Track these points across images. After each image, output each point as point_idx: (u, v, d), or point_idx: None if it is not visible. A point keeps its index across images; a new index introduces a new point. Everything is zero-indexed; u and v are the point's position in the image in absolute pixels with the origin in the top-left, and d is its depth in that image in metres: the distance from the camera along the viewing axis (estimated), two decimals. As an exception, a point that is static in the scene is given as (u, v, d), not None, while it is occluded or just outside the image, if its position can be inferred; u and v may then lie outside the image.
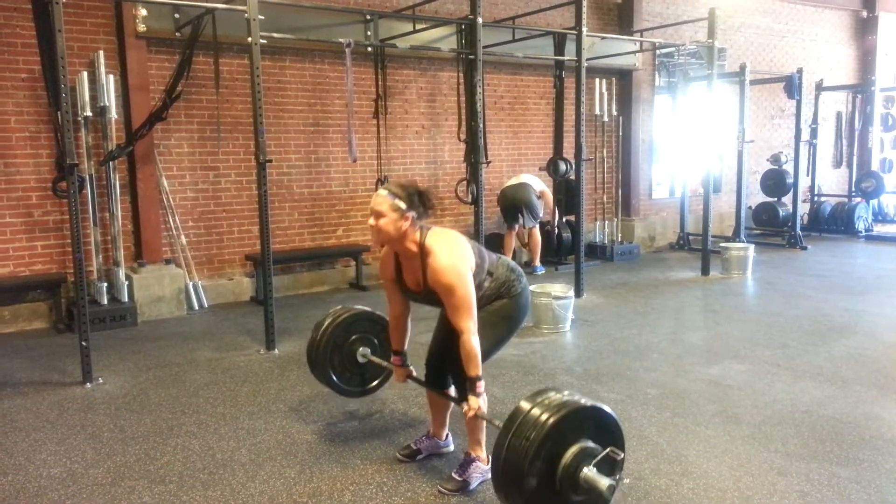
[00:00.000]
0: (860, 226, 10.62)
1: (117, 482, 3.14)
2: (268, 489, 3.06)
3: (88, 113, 5.86)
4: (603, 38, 8.25)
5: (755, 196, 10.68)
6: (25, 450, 3.50)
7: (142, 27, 6.07)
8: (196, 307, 6.53)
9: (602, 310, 6.29)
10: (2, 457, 3.42)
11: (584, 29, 6.55)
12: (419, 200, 2.84)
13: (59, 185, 5.66)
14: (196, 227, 6.72)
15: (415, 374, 3.30)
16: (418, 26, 7.04)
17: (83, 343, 4.42)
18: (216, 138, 6.65)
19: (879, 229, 11.06)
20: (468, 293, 2.79)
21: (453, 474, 3.04)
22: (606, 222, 9.33)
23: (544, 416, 2.33)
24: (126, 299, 6.05)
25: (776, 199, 10.37)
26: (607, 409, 2.46)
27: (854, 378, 4.37)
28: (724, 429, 3.63)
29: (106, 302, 5.95)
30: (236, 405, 4.07)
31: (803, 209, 10.66)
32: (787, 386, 4.25)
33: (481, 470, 3.05)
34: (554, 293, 5.54)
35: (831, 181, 12.25)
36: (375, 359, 3.57)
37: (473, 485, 3.01)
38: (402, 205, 2.79)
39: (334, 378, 3.59)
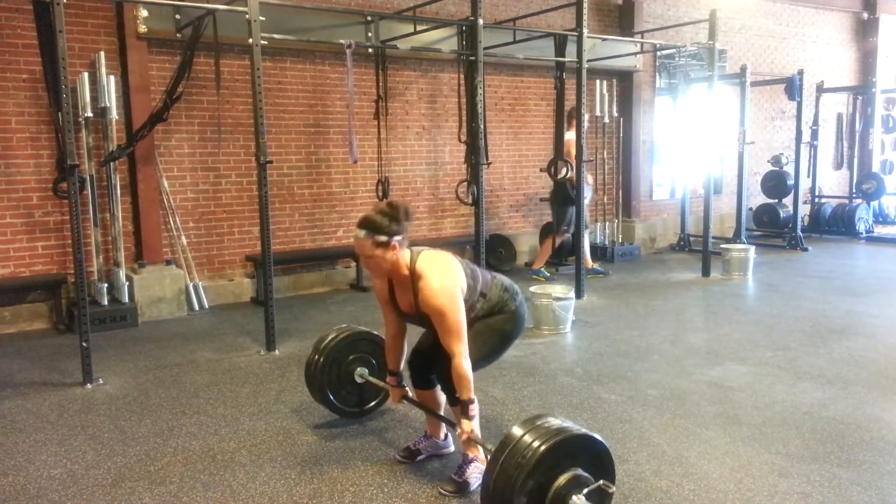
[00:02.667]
0: (861, 227, 10.61)
1: (118, 483, 3.14)
2: (268, 490, 3.05)
3: (89, 114, 5.86)
4: (604, 39, 8.25)
5: (756, 197, 10.68)
6: (26, 451, 3.50)
7: (143, 28, 6.08)
8: (196, 308, 6.53)
9: (603, 311, 6.29)
10: (2, 457, 3.42)
11: (585, 30, 6.56)
12: (398, 219, 2.80)
13: (60, 185, 5.66)
14: (196, 228, 6.72)
15: (410, 394, 3.31)
16: (419, 27, 7.04)
17: (83, 344, 4.42)
18: (217, 139, 6.65)
19: (880, 231, 11.05)
20: (458, 317, 2.79)
21: (453, 475, 3.04)
22: (607, 223, 9.32)
23: (535, 444, 2.33)
24: (126, 300, 6.04)
25: (777, 200, 10.37)
26: (599, 438, 2.46)
27: (855, 380, 4.36)
28: (724, 430, 3.62)
29: (106, 303, 5.95)
30: (237, 406, 4.07)
31: (804, 210, 10.65)
32: (788, 387, 4.24)
33: (480, 470, 3.04)
34: (554, 294, 5.54)
35: (832, 183, 12.25)
36: (373, 379, 3.60)
37: (473, 485, 3.00)
38: (384, 238, 2.77)
39: (331, 397, 3.62)
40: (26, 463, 3.36)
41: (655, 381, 4.40)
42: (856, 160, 11.93)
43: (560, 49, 7.72)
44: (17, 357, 5.13)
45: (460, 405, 2.81)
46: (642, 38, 8.98)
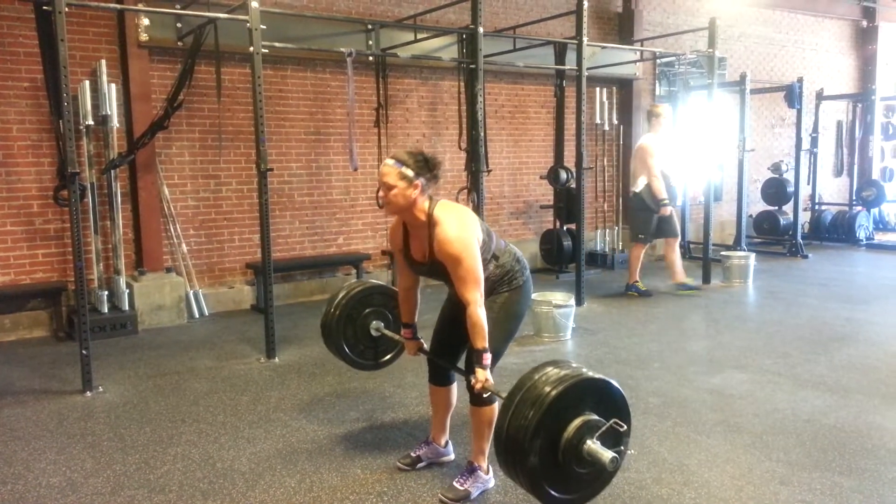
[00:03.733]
0: (861, 234, 10.61)
1: (117, 491, 3.13)
2: (268, 498, 3.05)
3: (90, 122, 5.88)
4: (603, 47, 8.27)
5: (756, 204, 10.68)
6: (25, 459, 3.49)
7: (144, 36, 6.10)
8: (196, 315, 6.53)
9: (603, 318, 6.28)
10: (1, 466, 3.41)
11: (585, 38, 6.58)
12: (426, 166, 2.85)
13: (61, 193, 5.66)
14: (197, 236, 6.72)
15: (426, 346, 3.26)
16: (419, 36, 7.07)
17: (83, 351, 4.41)
18: (218, 147, 6.67)
19: (880, 238, 11.05)
20: (475, 264, 2.78)
21: (455, 483, 3.02)
22: (607, 230, 9.33)
23: (547, 389, 2.30)
24: (126, 307, 6.04)
25: (777, 207, 10.38)
26: (613, 381, 2.42)
27: (856, 387, 4.35)
28: (725, 438, 3.62)
29: (106, 310, 5.95)
30: (236, 414, 4.06)
31: (804, 218, 10.66)
32: (789, 395, 4.23)
33: (482, 480, 3.04)
34: (555, 302, 5.53)
35: (832, 190, 12.26)
36: (388, 332, 3.53)
37: (475, 494, 2.99)
38: (410, 173, 2.80)
39: (347, 351, 3.54)
40: (25, 471, 3.35)
41: (656, 388, 4.39)
42: (856, 167, 11.94)
43: (560, 57, 7.75)
44: (17, 365, 5.12)
45: (475, 353, 2.76)
46: (642, 46, 9.01)
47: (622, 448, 2.34)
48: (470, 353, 2.83)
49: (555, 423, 2.29)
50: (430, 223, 2.84)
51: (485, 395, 2.82)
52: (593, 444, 2.28)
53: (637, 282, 7.24)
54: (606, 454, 2.25)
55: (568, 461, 2.30)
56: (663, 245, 7.34)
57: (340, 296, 3.54)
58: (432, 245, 2.83)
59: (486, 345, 2.76)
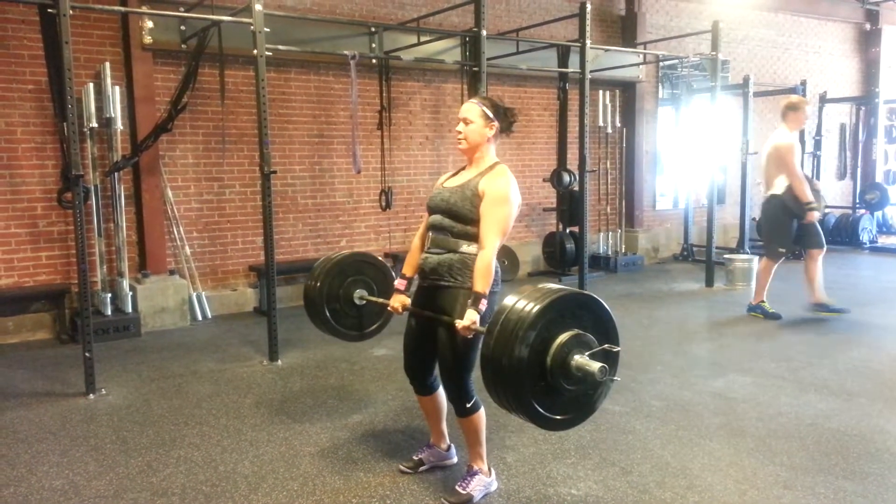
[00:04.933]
0: (864, 237, 10.60)
1: (120, 494, 3.13)
2: (270, 502, 3.05)
3: (94, 124, 5.89)
4: (606, 50, 8.28)
5: (759, 207, 10.64)
6: (28, 461, 3.49)
7: (148, 39, 6.11)
8: (200, 318, 6.53)
9: (606, 321, 6.26)
10: (4, 468, 3.41)
11: (588, 41, 6.59)
12: (505, 114, 3.00)
13: (65, 195, 5.68)
14: (200, 238, 6.73)
15: (410, 304, 3.17)
16: (423, 38, 7.08)
17: (86, 354, 4.42)
18: (221, 149, 6.68)
19: (884, 241, 11.03)
20: (510, 218, 2.88)
21: (457, 487, 3.02)
22: (610, 233, 9.32)
23: (530, 306, 2.31)
24: (130, 310, 6.05)
25: (780, 210, 10.34)
26: (596, 297, 2.45)
27: (859, 391, 4.34)
28: (728, 442, 3.61)
29: (110, 313, 5.96)
30: (239, 417, 4.06)
31: (808, 221, 10.62)
32: (792, 399, 4.22)
33: (484, 482, 3.04)
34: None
35: (835, 193, 12.23)
36: (373, 298, 3.49)
37: (478, 497, 2.99)
38: (490, 113, 2.95)
39: (333, 322, 3.49)
40: (28, 474, 3.35)
41: (659, 392, 4.38)
42: (859, 170, 11.92)
43: (563, 60, 7.76)
44: (20, 367, 5.13)
45: (473, 296, 2.76)
46: (645, 48, 9.00)
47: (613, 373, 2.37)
48: (451, 380, 2.90)
49: (539, 340, 2.29)
50: (491, 168, 2.94)
51: (469, 336, 2.78)
52: (581, 358, 2.30)
53: (763, 301, 6.35)
54: (594, 364, 2.27)
55: (556, 377, 2.30)
56: (804, 258, 6.28)
57: (321, 266, 3.48)
58: (480, 181, 2.89)
59: (486, 290, 2.78)
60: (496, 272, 2.91)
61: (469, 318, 2.71)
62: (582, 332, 2.34)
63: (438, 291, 2.92)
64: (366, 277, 3.55)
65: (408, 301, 3.18)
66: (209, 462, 3.45)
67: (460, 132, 2.97)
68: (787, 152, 5.90)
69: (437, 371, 3.09)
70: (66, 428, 3.93)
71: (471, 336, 2.77)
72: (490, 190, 2.86)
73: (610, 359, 2.37)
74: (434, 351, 2.98)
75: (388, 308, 3.28)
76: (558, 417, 2.38)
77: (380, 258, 3.66)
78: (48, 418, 4.07)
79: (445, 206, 2.93)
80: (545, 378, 2.30)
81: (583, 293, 2.44)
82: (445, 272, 2.90)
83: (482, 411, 2.99)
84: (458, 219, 2.89)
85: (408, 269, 3.22)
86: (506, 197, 2.86)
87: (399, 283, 3.23)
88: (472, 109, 2.96)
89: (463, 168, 3.08)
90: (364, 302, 3.51)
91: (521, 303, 2.35)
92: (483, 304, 2.76)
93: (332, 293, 3.47)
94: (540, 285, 2.47)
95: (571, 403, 2.39)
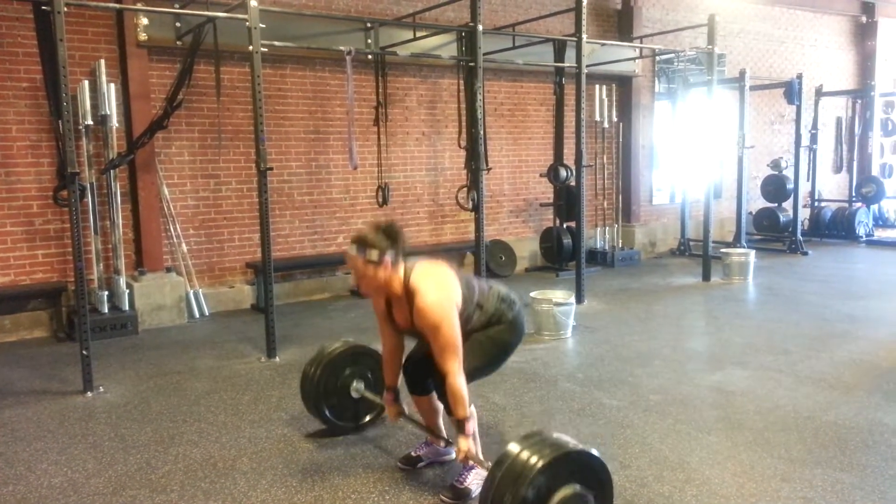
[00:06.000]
0: (861, 231, 10.62)
1: (118, 492, 3.13)
2: (269, 498, 3.05)
3: (89, 121, 5.87)
4: (603, 44, 8.27)
5: (756, 201, 10.68)
6: (26, 459, 3.49)
7: (143, 36, 6.09)
8: (197, 315, 6.52)
9: (603, 316, 6.28)
10: (2, 466, 3.41)
11: (584, 36, 6.57)
12: (388, 239, 2.81)
13: (60, 193, 5.66)
14: (197, 235, 6.72)
15: (407, 412, 3.30)
16: (419, 34, 7.05)
17: (84, 352, 4.42)
18: (217, 146, 6.66)
19: (880, 234, 11.07)
20: (453, 333, 2.77)
21: (454, 482, 3.03)
22: (607, 228, 9.33)
23: (534, 459, 2.33)
24: (127, 308, 6.04)
25: (777, 204, 10.38)
26: (594, 452, 2.47)
27: (856, 383, 4.36)
28: (726, 435, 3.62)
29: (107, 310, 5.95)
30: (237, 414, 4.06)
31: (804, 214, 10.66)
32: (790, 391, 4.23)
33: (482, 476, 3.04)
34: (555, 299, 5.53)
35: (832, 186, 12.25)
36: (369, 394, 3.58)
37: (474, 492, 2.99)
38: (375, 256, 2.77)
39: (328, 414, 3.60)
40: (27, 472, 3.35)
41: (657, 385, 4.39)
42: (855, 164, 11.94)
43: (559, 54, 7.75)
44: (18, 365, 5.12)
45: (456, 424, 2.80)
46: (641, 42, 9.00)
47: None
48: (442, 386, 2.88)
49: (539, 493, 2.31)
50: (408, 292, 2.84)
51: (469, 465, 2.86)
52: None
53: None
54: None
55: None
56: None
57: (320, 356, 3.59)
58: (412, 314, 2.84)
59: (467, 414, 2.78)
60: (505, 298, 3.04)
61: (461, 449, 2.79)
62: (583, 492, 2.38)
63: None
64: (363, 369, 3.64)
65: (403, 409, 3.26)
66: (207, 459, 3.45)
67: (360, 284, 2.87)
68: None
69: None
70: (65, 426, 3.92)
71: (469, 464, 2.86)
72: (423, 325, 2.80)
73: None
74: (433, 367, 2.96)
75: (387, 419, 3.39)
76: None
77: (376, 350, 3.62)
78: (46, 416, 4.07)
79: (414, 337, 3.03)
80: None
81: (591, 453, 2.46)
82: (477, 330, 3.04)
83: (473, 409, 2.99)
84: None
85: (389, 379, 3.24)
86: (438, 322, 2.74)
87: (387, 397, 3.25)
88: (356, 261, 2.80)
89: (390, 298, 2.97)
90: (360, 396, 3.60)
91: (532, 448, 2.38)
92: (469, 429, 2.80)
93: (330, 386, 3.57)
94: (550, 435, 2.48)
95: None
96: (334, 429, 3.66)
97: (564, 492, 2.34)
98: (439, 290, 2.82)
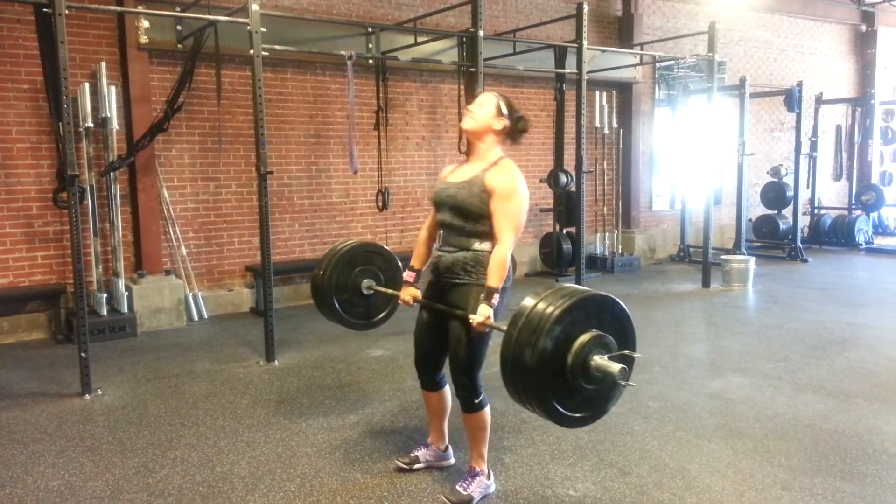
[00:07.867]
0: (861, 238, 10.63)
1: (116, 495, 3.12)
2: (267, 503, 3.03)
3: (90, 124, 5.87)
4: (603, 51, 8.29)
5: (755, 208, 10.69)
6: (23, 462, 3.47)
7: (144, 39, 6.09)
8: (196, 318, 6.51)
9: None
10: (-1, 469, 3.40)
11: (585, 42, 6.59)
12: (517, 120, 2.99)
13: (60, 195, 5.66)
14: (196, 238, 6.71)
15: (420, 297, 3.16)
16: (420, 39, 7.07)
17: (82, 354, 4.40)
18: (217, 149, 6.66)
19: (880, 242, 11.07)
20: (522, 210, 2.88)
21: (457, 487, 3.01)
22: (607, 234, 9.33)
23: (550, 309, 2.30)
24: (126, 310, 6.03)
25: (776, 211, 10.39)
26: (617, 298, 2.43)
27: (856, 391, 4.35)
28: (726, 442, 3.61)
29: (105, 313, 5.94)
30: (236, 417, 4.05)
31: (804, 222, 10.67)
32: (789, 399, 4.23)
33: (484, 485, 3.03)
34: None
35: (831, 194, 12.27)
36: (381, 288, 3.50)
37: (477, 498, 2.98)
38: (504, 109, 2.95)
39: (340, 311, 3.50)
40: (24, 475, 3.33)
41: (656, 392, 4.38)
42: (855, 171, 11.97)
43: (560, 60, 7.77)
44: (16, 367, 5.11)
45: (486, 291, 2.77)
46: (642, 49, 9.02)
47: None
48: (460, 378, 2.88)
49: (563, 337, 2.29)
50: (497, 161, 2.95)
51: (485, 331, 2.81)
52: (601, 359, 2.29)
53: None
54: (615, 365, 2.26)
55: (575, 376, 2.30)
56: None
57: (329, 256, 3.49)
58: (486, 175, 2.87)
59: (499, 285, 2.79)
60: (509, 269, 2.93)
61: (482, 314, 2.72)
62: (603, 334, 2.35)
63: (452, 288, 2.94)
64: (373, 267, 3.55)
65: (418, 293, 3.17)
66: (206, 463, 3.44)
67: (471, 110, 2.97)
68: None
69: (445, 367, 3.09)
70: (62, 428, 3.91)
71: (486, 331, 2.78)
72: (498, 186, 2.84)
73: (627, 363, 2.36)
74: (445, 345, 2.97)
75: (399, 301, 3.27)
76: (572, 415, 2.38)
77: (386, 248, 3.64)
78: (44, 419, 4.05)
79: (453, 202, 2.91)
80: (564, 375, 2.31)
81: (608, 296, 2.42)
82: (460, 270, 2.91)
83: (488, 409, 2.99)
84: (468, 216, 2.87)
85: (416, 261, 3.22)
86: (515, 191, 2.85)
87: (408, 276, 3.23)
88: (489, 99, 2.97)
89: (466, 161, 3.05)
90: (372, 292, 3.51)
91: (547, 299, 2.35)
92: (496, 299, 2.77)
93: (341, 283, 3.47)
94: (566, 285, 2.48)
95: (586, 403, 2.40)
96: (347, 326, 3.58)
97: (584, 337, 2.30)
98: (523, 184, 2.93)
